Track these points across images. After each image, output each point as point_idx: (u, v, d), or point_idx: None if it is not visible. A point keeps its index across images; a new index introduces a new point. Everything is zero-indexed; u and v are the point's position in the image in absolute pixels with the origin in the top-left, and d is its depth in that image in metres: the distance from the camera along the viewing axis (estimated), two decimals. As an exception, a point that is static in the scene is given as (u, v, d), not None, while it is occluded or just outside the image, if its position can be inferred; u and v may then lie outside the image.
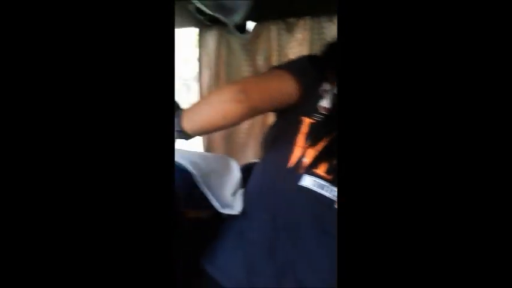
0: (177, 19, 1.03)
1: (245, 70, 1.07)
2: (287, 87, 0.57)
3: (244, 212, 0.61)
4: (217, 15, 0.76)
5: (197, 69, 1.17)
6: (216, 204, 0.57)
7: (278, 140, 0.64)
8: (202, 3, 0.75)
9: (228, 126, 0.56)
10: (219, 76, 1.13)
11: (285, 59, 0.95)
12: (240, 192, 0.64)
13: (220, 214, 0.60)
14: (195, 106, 0.59)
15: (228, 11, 0.76)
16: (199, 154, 0.67)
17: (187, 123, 0.56)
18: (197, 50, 1.17)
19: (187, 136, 0.59)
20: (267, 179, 0.62)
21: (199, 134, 0.61)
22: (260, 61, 1.05)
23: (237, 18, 0.78)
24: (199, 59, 1.14)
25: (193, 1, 0.75)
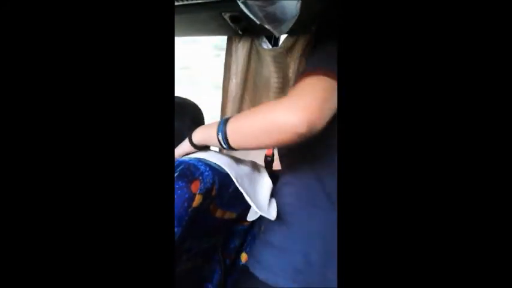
0: (207, 27, 1.02)
1: (274, 82, 1.05)
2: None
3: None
4: (265, 25, 0.74)
5: (221, 77, 1.16)
6: (253, 204, 0.55)
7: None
8: (251, 13, 0.74)
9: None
10: (245, 86, 1.11)
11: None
12: (273, 200, 0.63)
13: (246, 216, 0.60)
14: (242, 117, 0.55)
15: (277, 21, 0.75)
16: (233, 157, 0.65)
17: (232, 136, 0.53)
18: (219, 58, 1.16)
19: (231, 149, 0.56)
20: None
21: (245, 149, 0.56)
22: (290, 74, 1.04)
23: (284, 29, 0.77)
24: (226, 67, 1.13)
25: (242, 7, 0.73)
